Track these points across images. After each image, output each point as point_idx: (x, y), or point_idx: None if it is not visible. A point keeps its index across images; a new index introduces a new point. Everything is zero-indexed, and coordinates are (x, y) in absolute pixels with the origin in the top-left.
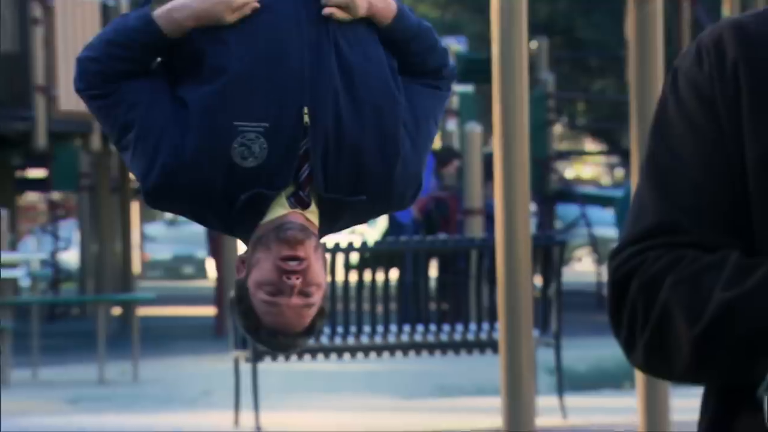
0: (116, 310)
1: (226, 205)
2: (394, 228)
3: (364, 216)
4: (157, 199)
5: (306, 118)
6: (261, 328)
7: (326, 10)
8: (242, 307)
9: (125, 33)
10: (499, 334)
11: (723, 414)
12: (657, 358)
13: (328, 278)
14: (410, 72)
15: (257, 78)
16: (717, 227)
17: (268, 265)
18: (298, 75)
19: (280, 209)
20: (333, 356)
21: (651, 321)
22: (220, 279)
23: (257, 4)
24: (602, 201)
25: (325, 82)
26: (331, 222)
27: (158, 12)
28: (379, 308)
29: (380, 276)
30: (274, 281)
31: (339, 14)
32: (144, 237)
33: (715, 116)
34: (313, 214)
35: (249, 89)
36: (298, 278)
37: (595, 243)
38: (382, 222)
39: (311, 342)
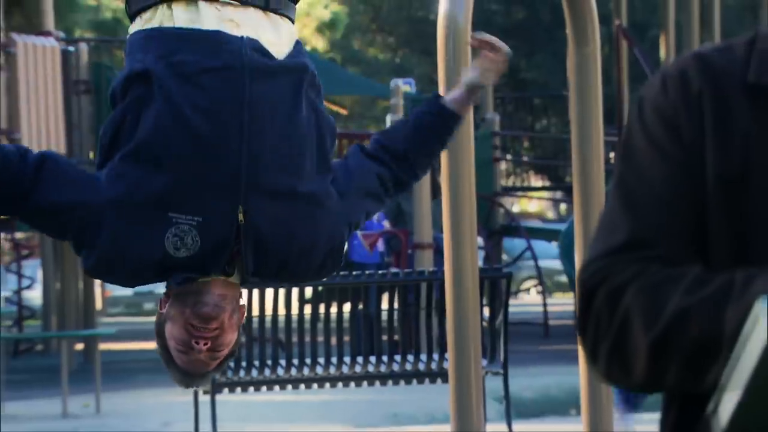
0: (79, 346)
1: (158, 279)
2: (357, 268)
3: (282, 284)
4: (97, 276)
5: (240, 216)
6: (172, 365)
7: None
8: (160, 342)
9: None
10: (449, 364)
11: (683, 425)
12: (617, 365)
13: (283, 311)
14: (389, 149)
15: (195, 173)
16: (683, 244)
17: (179, 325)
18: (236, 173)
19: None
20: (289, 387)
21: (613, 327)
22: None
23: None
24: (547, 235)
25: (264, 181)
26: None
27: None
28: (333, 340)
29: (334, 309)
30: (184, 340)
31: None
32: None
33: (679, 140)
34: (234, 277)
35: (186, 183)
36: (206, 344)
37: (540, 275)
38: None
39: (268, 374)
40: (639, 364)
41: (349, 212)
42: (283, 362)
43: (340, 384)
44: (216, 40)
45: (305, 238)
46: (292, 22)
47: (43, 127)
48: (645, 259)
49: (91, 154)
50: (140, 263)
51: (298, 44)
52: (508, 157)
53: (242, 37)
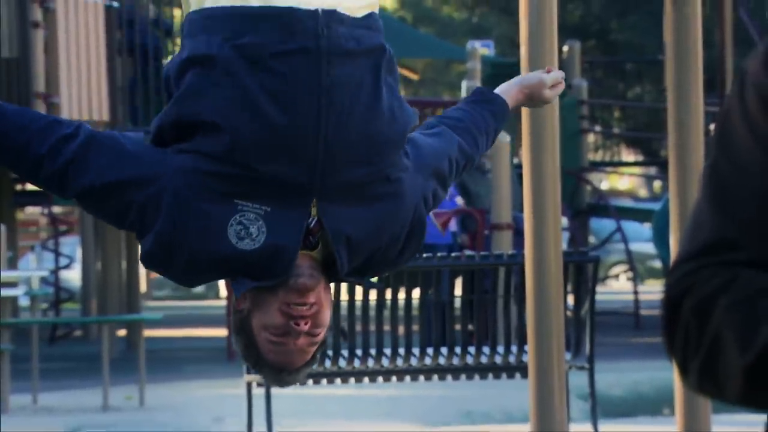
0: (121, 332)
1: (217, 277)
2: (428, 250)
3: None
4: (152, 266)
5: (313, 211)
6: (263, 363)
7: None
8: (243, 340)
9: None
10: (529, 358)
11: None
12: (710, 383)
13: (346, 297)
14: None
15: (266, 163)
16: None
17: (274, 309)
18: (312, 163)
19: None
20: (351, 380)
21: (703, 345)
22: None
23: None
24: (639, 215)
25: (341, 173)
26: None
27: None
28: (401, 330)
29: (401, 295)
30: (281, 325)
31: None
32: None
33: None
34: (319, 254)
35: (255, 172)
36: (306, 323)
37: (631, 260)
38: None
39: (328, 365)
40: (735, 385)
41: (423, 186)
42: (345, 353)
43: (407, 378)
44: (288, 18)
45: (390, 221)
46: None
47: (85, 90)
48: (733, 264)
49: None
50: (199, 251)
51: (373, 16)
52: (597, 128)
53: (317, 11)
